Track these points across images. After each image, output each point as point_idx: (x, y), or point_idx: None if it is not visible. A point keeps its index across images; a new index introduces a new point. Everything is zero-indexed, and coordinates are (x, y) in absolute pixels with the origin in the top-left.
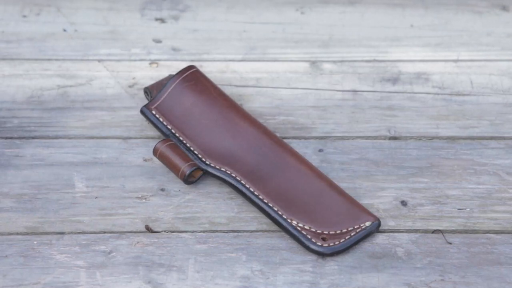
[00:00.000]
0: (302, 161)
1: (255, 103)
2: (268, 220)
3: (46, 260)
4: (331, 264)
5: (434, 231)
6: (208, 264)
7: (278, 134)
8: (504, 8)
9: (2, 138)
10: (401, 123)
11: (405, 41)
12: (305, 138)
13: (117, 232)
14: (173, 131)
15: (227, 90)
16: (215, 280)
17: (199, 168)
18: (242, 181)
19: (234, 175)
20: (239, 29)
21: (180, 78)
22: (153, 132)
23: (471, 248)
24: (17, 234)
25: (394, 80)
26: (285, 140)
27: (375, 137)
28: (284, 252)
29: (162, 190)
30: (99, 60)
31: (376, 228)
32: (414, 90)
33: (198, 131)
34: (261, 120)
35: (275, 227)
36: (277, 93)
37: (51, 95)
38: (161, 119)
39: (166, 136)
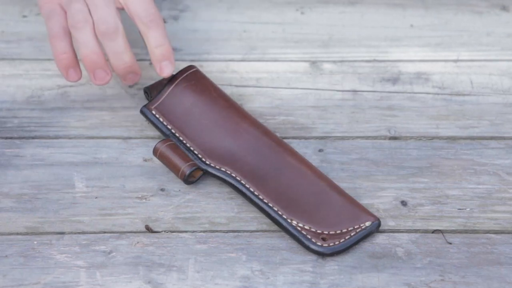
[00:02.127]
0: (302, 161)
1: (255, 103)
2: (268, 220)
3: (46, 260)
4: (331, 264)
5: (434, 231)
6: (208, 264)
7: (278, 134)
8: (504, 8)
9: (2, 138)
10: (401, 123)
11: (405, 41)
12: (305, 138)
13: (117, 232)
14: (173, 131)
15: (227, 90)
16: (215, 280)
17: (199, 168)
18: (242, 181)
19: (234, 175)
20: (239, 29)
21: (180, 78)
22: (153, 132)
23: (471, 248)
24: (17, 234)
25: (394, 80)
26: (285, 140)
27: (375, 137)
28: (284, 252)
29: (162, 190)
30: None
31: (376, 228)
32: (414, 90)
33: (198, 131)
34: (261, 120)
35: (275, 227)
36: (277, 93)
37: (51, 95)
38: (161, 119)
39: (166, 136)
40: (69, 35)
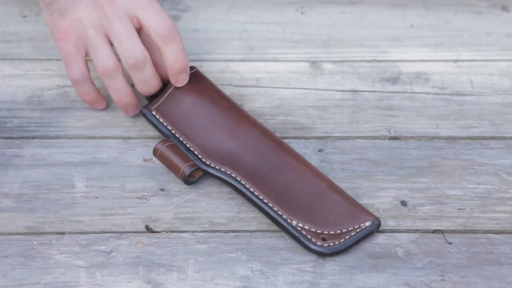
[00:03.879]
0: (302, 161)
1: (255, 103)
2: (268, 220)
3: (46, 260)
4: (331, 264)
5: (434, 231)
6: (208, 264)
7: (278, 134)
8: (504, 8)
9: (2, 138)
10: (401, 123)
11: (405, 41)
12: (305, 138)
13: (117, 232)
14: (173, 132)
15: (227, 90)
16: (215, 280)
17: (199, 169)
18: (242, 181)
19: (234, 175)
20: (239, 29)
21: None
22: (153, 132)
23: (471, 248)
24: (17, 234)
25: (394, 80)
26: (285, 140)
27: (375, 137)
28: (284, 252)
29: (162, 190)
30: None
31: (376, 228)
32: (414, 90)
33: (198, 132)
34: (261, 120)
35: (275, 227)
36: (277, 93)
37: (51, 95)
38: (161, 120)
39: (166, 136)
40: (89, 78)
